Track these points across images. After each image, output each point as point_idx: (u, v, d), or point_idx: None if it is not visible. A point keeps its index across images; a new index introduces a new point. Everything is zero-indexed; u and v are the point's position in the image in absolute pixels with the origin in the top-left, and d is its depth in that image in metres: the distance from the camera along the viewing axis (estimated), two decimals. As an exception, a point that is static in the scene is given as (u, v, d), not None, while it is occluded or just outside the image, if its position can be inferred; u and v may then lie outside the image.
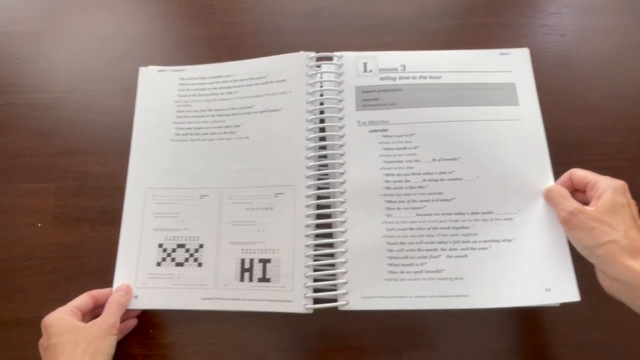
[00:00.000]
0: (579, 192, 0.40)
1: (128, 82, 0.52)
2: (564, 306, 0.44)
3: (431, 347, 0.44)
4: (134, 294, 0.43)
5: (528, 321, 0.44)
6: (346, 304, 0.41)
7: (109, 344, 0.39)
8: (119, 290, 0.43)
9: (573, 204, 0.38)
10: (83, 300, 0.42)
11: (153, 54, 0.53)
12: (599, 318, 0.44)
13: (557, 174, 0.42)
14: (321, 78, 0.47)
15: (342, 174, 0.44)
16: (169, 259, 0.45)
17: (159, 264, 0.44)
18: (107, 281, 0.45)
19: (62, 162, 0.50)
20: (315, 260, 0.43)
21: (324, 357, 0.44)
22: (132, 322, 0.45)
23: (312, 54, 0.47)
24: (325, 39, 0.51)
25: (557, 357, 0.44)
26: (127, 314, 0.43)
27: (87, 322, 0.40)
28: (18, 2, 0.56)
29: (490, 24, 0.53)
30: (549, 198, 0.41)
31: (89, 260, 0.47)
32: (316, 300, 0.42)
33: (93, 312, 0.42)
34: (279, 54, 0.51)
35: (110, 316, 0.40)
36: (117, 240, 0.47)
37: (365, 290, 0.41)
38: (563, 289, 0.39)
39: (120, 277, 0.44)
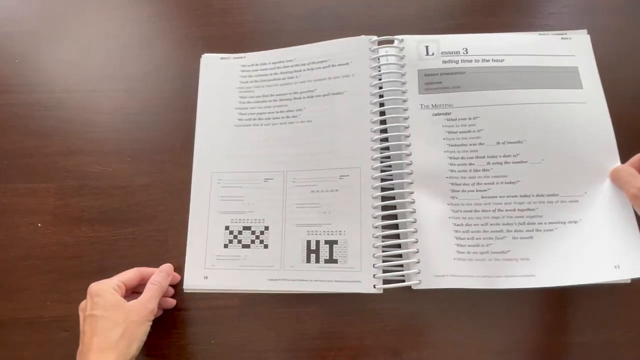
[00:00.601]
0: None
1: (128, 82, 0.53)
2: (564, 306, 0.45)
3: (431, 347, 0.44)
4: (204, 274, 0.45)
5: (528, 321, 0.44)
6: (419, 283, 0.42)
7: (145, 331, 0.39)
8: (162, 272, 0.43)
9: None
10: (130, 275, 0.42)
11: (153, 54, 0.53)
12: (600, 318, 0.44)
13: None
14: (381, 61, 0.47)
15: (409, 155, 0.44)
16: (235, 240, 0.46)
17: (226, 246, 0.45)
18: (107, 281, 0.45)
19: (62, 162, 0.50)
20: (383, 241, 0.43)
21: (324, 357, 0.44)
22: (172, 302, 0.45)
23: (374, 38, 0.48)
24: (325, 39, 0.51)
25: (557, 357, 0.44)
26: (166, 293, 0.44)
27: (129, 297, 0.41)
28: (18, 2, 0.56)
29: (490, 24, 0.53)
30: (617, 177, 0.41)
31: (89, 260, 0.47)
32: (386, 281, 0.42)
33: (137, 288, 0.43)
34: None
35: (151, 300, 0.40)
36: (117, 240, 0.47)
37: (438, 269, 0.42)
38: (633, 265, 0.40)
39: (191, 258, 0.45)
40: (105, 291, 0.39)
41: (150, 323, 0.40)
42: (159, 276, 0.43)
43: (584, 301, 0.44)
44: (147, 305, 0.40)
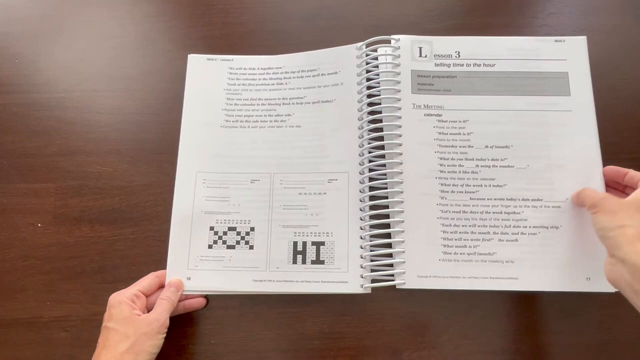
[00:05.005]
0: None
1: (128, 82, 0.53)
2: (563, 307, 0.45)
3: (431, 347, 0.44)
4: (186, 275, 0.44)
5: (528, 321, 0.44)
6: (403, 283, 0.42)
7: (155, 344, 0.39)
8: (170, 286, 0.43)
9: (606, 193, 0.40)
10: (148, 281, 0.43)
11: (153, 54, 0.53)
12: (599, 318, 0.44)
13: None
14: (379, 60, 0.48)
15: (400, 154, 0.45)
16: (220, 241, 0.46)
17: (210, 247, 0.45)
18: (107, 281, 0.45)
19: (62, 162, 0.50)
20: (371, 240, 0.44)
21: (324, 357, 0.44)
22: (200, 302, 0.45)
23: (361, 44, 0.48)
24: (324, 39, 0.51)
25: (557, 357, 0.44)
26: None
27: (152, 300, 0.42)
28: (18, 2, 0.56)
29: (491, 24, 0.53)
30: (582, 196, 0.41)
31: (89, 260, 0.47)
32: (373, 281, 0.43)
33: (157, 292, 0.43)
34: (279, 54, 0.51)
35: (162, 313, 0.40)
36: (117, 240, 0.47)
37: (422, 270, 0.42)
38: (602, 280, 0.40)
39: (173, 259, 0.45)
40: (120, 303, 0.40)
41: (163, 336, 0.40)
42: (169, 291, 0.43)
43: (583, 302, 0.44)
44: (158, 317, 0.40)
